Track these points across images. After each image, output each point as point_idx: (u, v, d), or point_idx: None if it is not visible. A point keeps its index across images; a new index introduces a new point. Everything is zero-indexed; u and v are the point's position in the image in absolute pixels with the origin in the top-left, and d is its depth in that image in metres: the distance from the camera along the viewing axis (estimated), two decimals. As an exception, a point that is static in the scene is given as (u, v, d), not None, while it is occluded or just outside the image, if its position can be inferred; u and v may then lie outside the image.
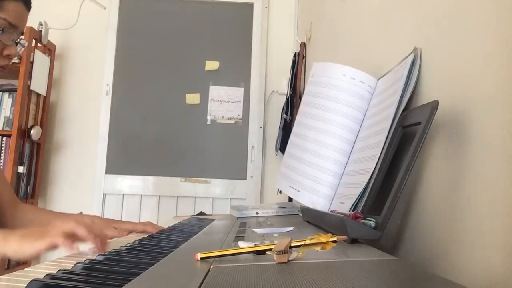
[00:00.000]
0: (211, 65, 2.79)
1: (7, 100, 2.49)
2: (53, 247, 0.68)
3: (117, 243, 0.82)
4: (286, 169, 0.98)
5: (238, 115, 2.76)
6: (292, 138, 1.00)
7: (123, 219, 1.17)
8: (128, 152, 2.72)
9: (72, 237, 0.70)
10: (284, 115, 2.35)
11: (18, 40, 0.98)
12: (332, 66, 0.92)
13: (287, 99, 2.35)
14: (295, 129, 1.00)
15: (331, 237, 0.46)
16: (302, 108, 0.98)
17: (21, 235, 0.71)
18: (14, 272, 0.56)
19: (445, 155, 0.61)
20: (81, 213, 1.22)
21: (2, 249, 0.70)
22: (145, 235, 0.91)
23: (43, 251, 0.68)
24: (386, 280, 0.37)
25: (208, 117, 2.76)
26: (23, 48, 1.01)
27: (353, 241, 0.57)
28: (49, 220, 1.03)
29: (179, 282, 0.42)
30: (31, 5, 1.00)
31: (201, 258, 0.49)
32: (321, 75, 0.93)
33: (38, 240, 0.68)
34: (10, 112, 2.47)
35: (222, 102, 2.77)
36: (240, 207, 1.35)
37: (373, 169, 0.70)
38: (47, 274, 0.50)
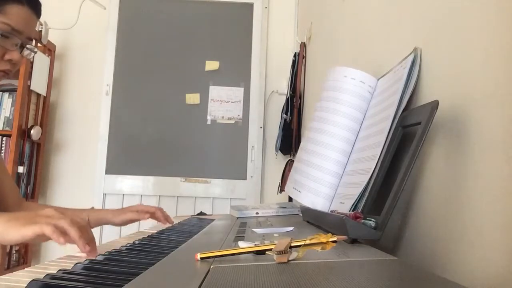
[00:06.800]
0: (211, 65, 2.79)
1: (7, 100, 2.48)
2: (41, 235, 0.63)
3: (117, 243, 0.82)
4: (293, 172, 0.99)
5: (238, 115, 2.76)
6: (302, 142, 1.01)
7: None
8: (128, 152, 2.72)
9: (63, 234, 0.64)
10: (284, 115, 2.35)
11: (23, 44, 0.95)
12: (335, 69, 0.92)
13: (287, 99, 2.35)
14: (306, 133, 1.00)
15: (331, 237, 0.46)
16: (313, 114, 0.99)
17: (7, 219, 0.65)
18: (14, 272, 0.56)
19: (445, 155, 0.61)
20: (92, 208, 1.22)
21: None
22: (146, 235, 0.91)
23: (29, 238, 0.63)
24: (386, 280, 0.37)
25: (208, 117, 2.76)
26: (33, 54, 0.98)
27: (353, 241, 0.57)
28: None
29: (179, 282, 0.42)
30: (41, 11, 0.96)
31: (201, 258, 0.49)
32: (327, 80, 0.94)
33: (25, 226, 0.64)
34: (10, 112, 2.46)
35: (222, 102, 2.77)
36: (240, 207, 1.35)
37: (373, 169, 0.70)
38: (47, 274, 0.50)
